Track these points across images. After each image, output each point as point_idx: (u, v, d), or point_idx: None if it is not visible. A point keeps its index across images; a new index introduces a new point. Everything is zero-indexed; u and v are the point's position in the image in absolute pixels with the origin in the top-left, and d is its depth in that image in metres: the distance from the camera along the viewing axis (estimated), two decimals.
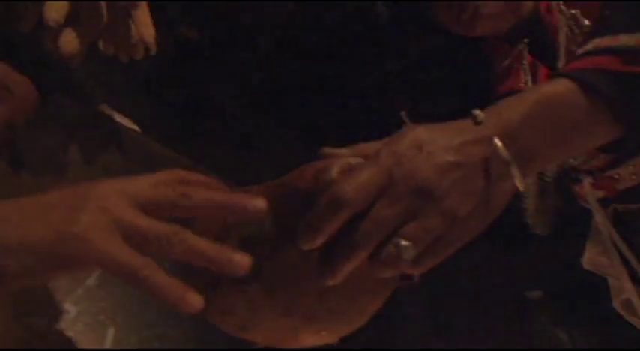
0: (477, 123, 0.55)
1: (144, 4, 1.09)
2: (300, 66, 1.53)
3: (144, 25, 1.11)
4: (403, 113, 1.76)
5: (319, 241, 0.51)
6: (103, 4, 1.02)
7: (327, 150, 0.58)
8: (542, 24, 1.05)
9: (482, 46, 1.11)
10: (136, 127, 1.40)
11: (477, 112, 0.56)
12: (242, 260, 0.43)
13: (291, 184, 0.53)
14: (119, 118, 1.35)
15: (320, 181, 0.52)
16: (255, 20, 1.50)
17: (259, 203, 0.46)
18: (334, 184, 0.51)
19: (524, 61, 1.05)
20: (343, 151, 0.58)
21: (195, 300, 0.41)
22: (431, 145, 0.52)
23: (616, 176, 1.02)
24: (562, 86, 0.56)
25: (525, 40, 1.04)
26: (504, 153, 0.53)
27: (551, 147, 0.56)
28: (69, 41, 0.96)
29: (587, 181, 1.03)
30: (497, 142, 0.53)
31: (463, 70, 1.17)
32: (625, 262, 1.04)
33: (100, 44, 1.09)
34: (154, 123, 1.48)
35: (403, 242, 0.51)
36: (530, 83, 1.03)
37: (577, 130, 0.56)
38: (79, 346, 0.68)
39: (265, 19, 1.49)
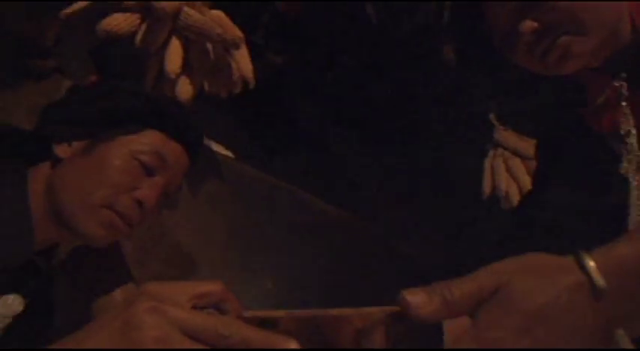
0: (598, 292, 0.40)
1: (244, 44, 1.14)
2: (379, 84, 1.57)
3: (243, 63, 1.17)
4: (492, 116, 1.76)
5: None
6: (210, 48, 1.09)
7: (408, 297, 0.44)
8: None
9: (573, 76, 0.85)
10: (229, 153, 1.47)
11: (593, 269, 0.40)
12: None
13: (327, 332, 0.49)
14: (215, 146, 1.41)
15: (362, 345, 0.46)
16: (337, 41, 1.54)
17: (292, 347, 0.45)
18: None
19: (623, 100, 0.83)
20: (419, 300, 0.44)
21: None
22: (536, 327, 0.40)
23: None
24: None
25: (623, 75, 0.83)
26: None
27: None
28: (185, 88, 1.03)
29: None
30: (622, 334, 0.40)
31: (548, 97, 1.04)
32: None
33: (205, 85, 1.15)
34: (244, 146, 1.54)
35: None
36: (630, 125, 0.83)
37: None
38: None
39: (346, 41, 1.54)
